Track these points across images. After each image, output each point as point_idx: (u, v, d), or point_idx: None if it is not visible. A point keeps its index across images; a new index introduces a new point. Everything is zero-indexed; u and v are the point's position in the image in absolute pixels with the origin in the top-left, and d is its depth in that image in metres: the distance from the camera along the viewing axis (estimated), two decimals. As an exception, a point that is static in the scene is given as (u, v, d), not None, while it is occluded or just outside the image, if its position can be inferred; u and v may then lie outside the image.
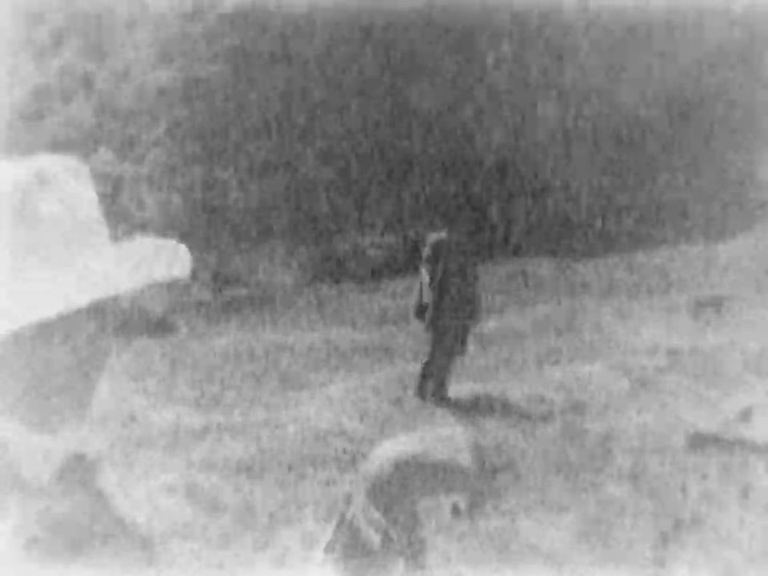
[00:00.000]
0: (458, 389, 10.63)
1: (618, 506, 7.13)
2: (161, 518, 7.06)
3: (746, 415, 8.95)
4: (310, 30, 22.39)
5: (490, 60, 23.07)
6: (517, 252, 21.19)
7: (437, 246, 9.96)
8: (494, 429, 9.23)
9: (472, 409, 10.06)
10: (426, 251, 10.10)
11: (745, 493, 7.27)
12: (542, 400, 10.21)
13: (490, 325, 14.20)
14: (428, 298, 9.95)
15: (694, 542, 6.49)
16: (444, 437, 5.60)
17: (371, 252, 22.28)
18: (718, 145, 22.30)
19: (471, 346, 12.43)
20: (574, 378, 11.10)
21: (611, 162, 22.98)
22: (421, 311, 10.16)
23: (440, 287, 9.87)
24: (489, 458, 5.48)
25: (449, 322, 9.94)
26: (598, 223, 22.36)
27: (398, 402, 10.36)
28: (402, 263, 20.98)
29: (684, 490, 7.41)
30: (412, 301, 10.44)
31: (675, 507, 7.07)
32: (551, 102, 23.29)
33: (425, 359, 10.29)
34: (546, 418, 9.55)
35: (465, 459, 5.39)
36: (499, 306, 15.88)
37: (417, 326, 10.87)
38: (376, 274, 20.45)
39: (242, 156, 22.22)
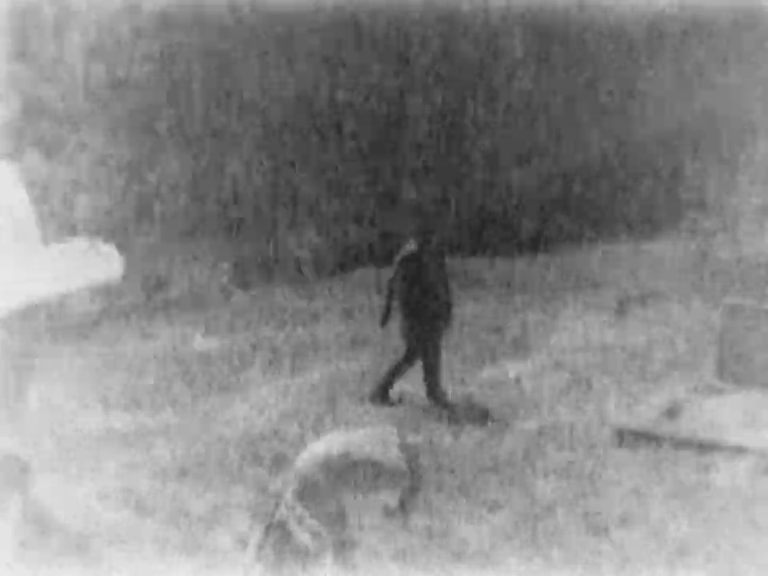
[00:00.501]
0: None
1: (549, 503, 7.19)
2: (94, 521, 7.01)
3: (672, 411, 9.08)
4: (243, 29, 22.29)
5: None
6: (447, 252, 21.25)
7: (406, 260, 9.98)
8: (426, 428, 9.27)
9: (405, 408, 10.09)
10: (395, 266, 10.11)
11: (673, 488, 7.37)
12: (474, 399, 10.26)
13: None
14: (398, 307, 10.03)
15: (624, 537, 6.57)
16: (373, 436, 5.63)
17: (300, 253, 22.25)
18: (646, 144, 22.54)
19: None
20: (505, 376, 11.17)
21: (540, 161, 23.14)
22: (385, 320, 10.21)
23: (411, 297, 9.90)
24: (419, 457, 5.49)
25: (423, 330, 9.99)
26: (526, 222, 22.51)
27: (331, 401, 10.36)
28: (332, 264, 20.99)
29: (614, 485, 7.50)
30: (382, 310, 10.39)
31: (605, 503, 7.15)
32: (479, 100, 23.40)
33: (393, 365, 10.33)
34: (478, 416, 9.60)
35: (394, 458, 5.42)
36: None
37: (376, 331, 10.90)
38: (306, 274, 20.40)
39: (172, 157, 22.08)
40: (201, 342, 12.39)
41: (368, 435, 5.64)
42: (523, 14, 22.75)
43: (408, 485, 5.47)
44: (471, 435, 8.97)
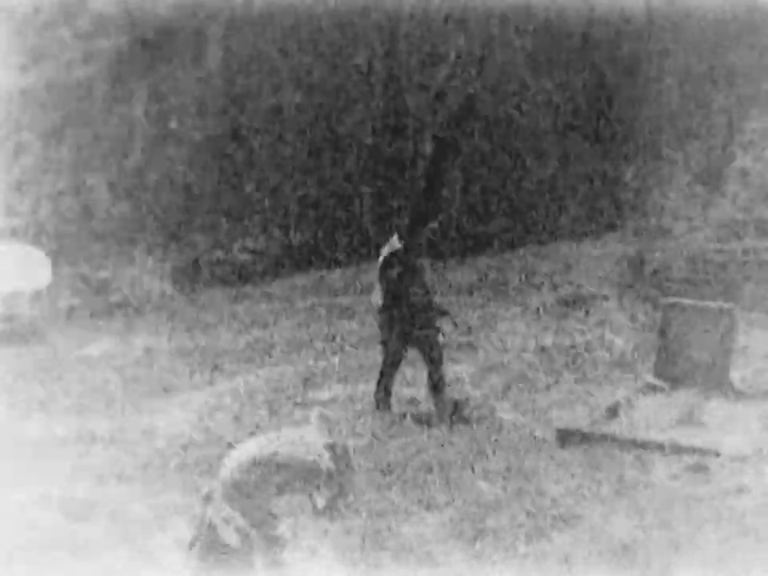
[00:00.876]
0: (329, 391, 10.69)
1: (491, 503, 7.21)
2: (32, 528, 6.94)
3: (612, 411, 9.14)
4: (185, 29, 22.15)
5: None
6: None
7: (391, 257, 9.88)
8: (366, 429, 9.27)
9: (345, 410, 10.08)
10: (380, 262, 10.02)
11: (613, 487, 7.42)
12: (416, 401, 10.27)
13: (358, 329, 14.25)
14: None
15: (565, 537, 6.60)
16: (300, 436, 5.63)
17: (242, 257, 22.15)
18: (586, 147, 22.69)
19: (347, 347, 12.53)
20: (448, 377, 11.18)
21: (481, 162, 23.21)
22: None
23: (394, 294, 9.80)
24: (347, 457, 5.48)
25: (402, 328, 9.84)
26: (465, 223, 22.57)
27: (270, 405, 10.32)
28: (273, 267, 20.92)
29: (555, 485, 7.54)
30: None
31: (546, 503, 7.18)
32: (420, 98, 23.43)
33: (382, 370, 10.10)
34: (420, 418, 9.61)
35: (321, 458, 5.42)
36: (367, 307, 15.93)
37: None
38: (246, 278, 20.33)
39: (113, 161, 21.90)
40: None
41: (295, 436, 5.63)
42: (464, 19, 22.79)
43: (336, 485, 5.47)
44: (413, 435, 8.98)
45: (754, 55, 21.63)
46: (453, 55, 22.86)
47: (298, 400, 10.54)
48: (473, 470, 7.95)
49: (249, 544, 5.36)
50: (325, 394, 10.74)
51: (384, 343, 10.00)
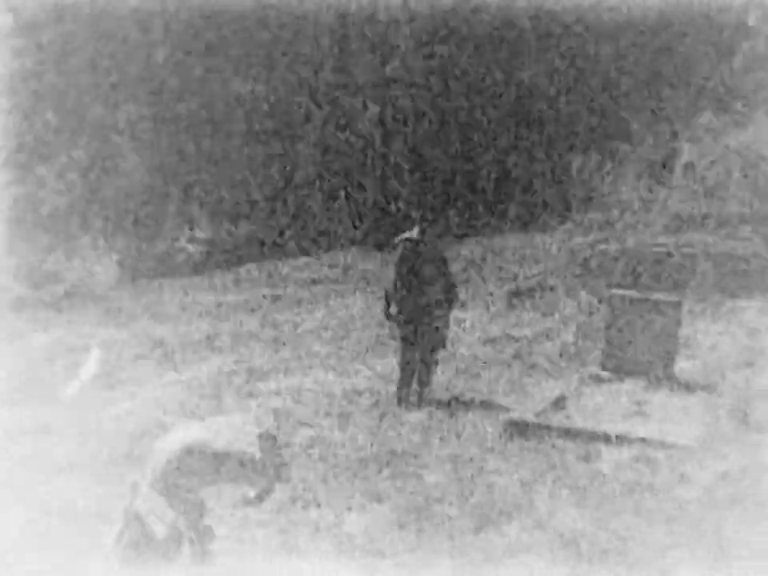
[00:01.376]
0: (276, 383, 10.68)
1: (437, 494, 7.23)
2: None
3: (559, 402, 9.20)
4: (131, 22, 22.02)
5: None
6: (333, 245, 21.31)
7: (408, 246, 9.76)
8: (310, 419, 9.26)
9: (286, 400, 10.08)
10: (398, 250, 9.82)
11: (560, 478, 7.46)
12: (360, 391, 10.28)
13: (306, 320, 14.25)
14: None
15: (512, 528, 6.63)
16: (231, 426, 5.59)
17: (190, 247, 22.08)
18: (536, 140, 22.80)
19: (295, 338, 12.51)
20: (392, 368, 11.20)
21: (430, 153, 23.27)
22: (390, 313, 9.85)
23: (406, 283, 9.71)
24: (278, 448, 5.46)
25: (416, 317, 9.69)
26: (414, 214, 22.58)
27: (217, 396, 10.29)
28: (222, 258, 20.87)
29: (502, 476, 7.57)
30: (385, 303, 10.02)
31: (493, 494, 7.21)
32: (367, 95, 23.45)
33: (401, 364, 9.93)
34: (366, 408, 9.62)
35: (251, 449, 5.39)
36: (308, 299, 15.94)
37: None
38: (195, 268, 20.28)
39: (61, 152, 21.74)
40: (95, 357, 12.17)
41: (226, 425, 5.60)
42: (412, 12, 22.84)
43: (267, 476, 5.44)
44: (359, 427, 8.99)
45: (701, 55, 21.85)
46: (403, 47, 22.89)
47: (245, 391, 10.52)
48: (419, 461, 7.96)
49: (177, 535, 5.33)
50: (271, 385, 10.73)
51: (404, 339, 9.81)
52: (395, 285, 9.65)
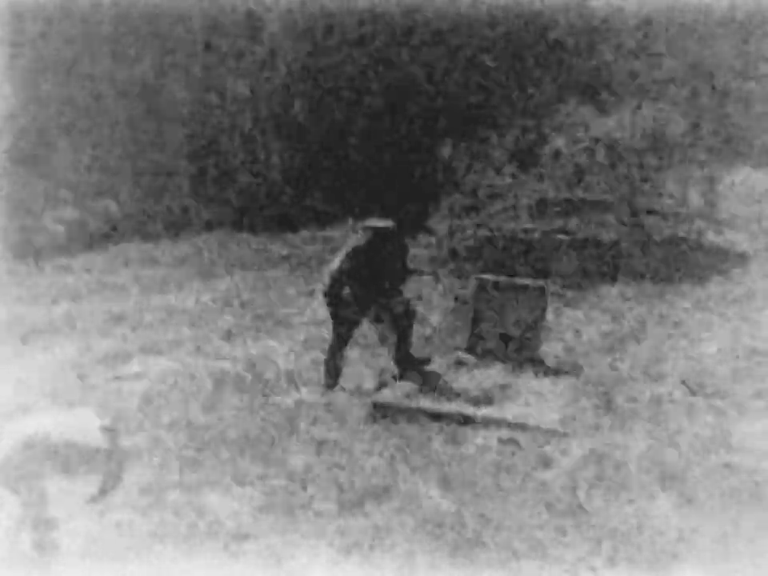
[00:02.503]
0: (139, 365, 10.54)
1: (304, 478, 7.20)
2: None
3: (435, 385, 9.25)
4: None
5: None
6: (208, 227, 21.12)
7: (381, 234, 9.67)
8: (179, 404, 9.15)
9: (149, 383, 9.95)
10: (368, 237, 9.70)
11: (426, 460, 7.50)
12: (228, 375, 10.19)
13: (173, 302, 14.08)
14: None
15: (378, 510, 6.64)
16: (74, 418, 5.52)
17: (54, 227, 21.64)
18: (406, 125, 22.87)
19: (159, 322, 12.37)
20: (262, 351, 11.15)
21: (301, 140, 23.18)
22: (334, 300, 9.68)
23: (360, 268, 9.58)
24: (118, 441, 5.40)
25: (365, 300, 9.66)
26: (285, 199, 22.52)
27: (82, 378, 10.10)
28: (91, 238, 20.52)
29: (367, 459, 7.58)
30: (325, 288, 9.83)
31: (359, 477, 7.21)
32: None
33: (329, 346, 9.78)
34: (236, 391, 9.54)
35: (94, 441, 5.32)
36: (181, 281, 15.75)
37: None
38: (62, 249, 19.87)
39: None
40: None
41: (69, 417, 5.52)
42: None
43: (108, 469, 5.38)
44: (227, 410, 8.91)
45: (569, 44, 22.18)
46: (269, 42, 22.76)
47: (110, 374, 10.35)
48: (285, 444, 7.93)
49: (18, 525, 5.25)
50: (136, 368, 10.57)
51: (335, 317, 9.70)
52: (352, 269, 9.60)
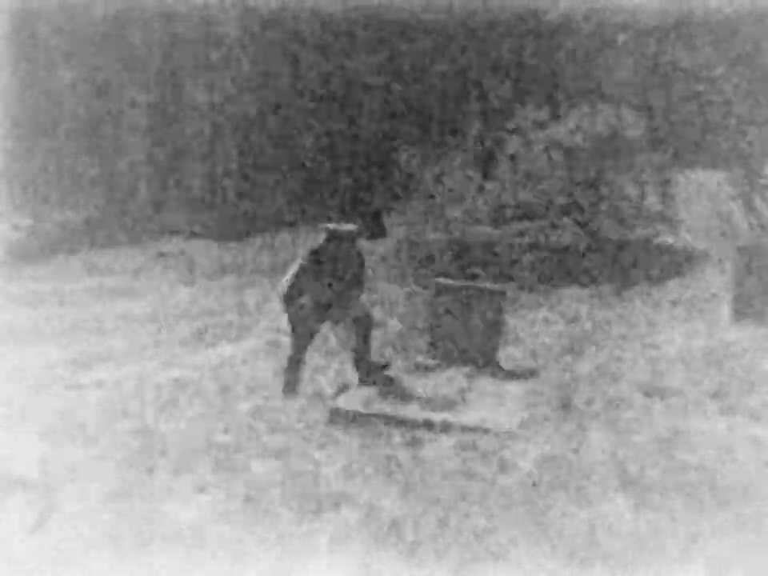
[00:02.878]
0: (98, 373, 10.48)
1: (262, 484, 7.19)
2: None
3: (387, 390, 9.25)
4: None
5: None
6: (168, 234, 21.05)
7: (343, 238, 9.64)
8: (138, 412, 9.12)
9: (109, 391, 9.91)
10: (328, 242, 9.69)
11: (386, 465, 7.50)
12: (187, 382, 10.17)
13: (131, 310, 14.03)
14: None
15: (337, 516, 6.64)
16: (13, 448, 5.47)
17: (13, 234, 21.53)
18: (364, 130, 22.91)
19: (118, 329, 12.31)
20: (221, 358, 11.13)
21: (259, 145, 23.16)
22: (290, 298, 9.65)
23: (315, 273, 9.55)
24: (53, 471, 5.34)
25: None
26: (244, 205, 22.51)
27: (38, 387, 10.04)
28: (49, 245, 20.41)
29: (327, 465, 7.57)
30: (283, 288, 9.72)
31: (319, 483, 7.20)
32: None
33: (291, 352, 9.73)
34: (195, 398, 9.52)
35: (33, 473, 5.27)
36: (141, 289, 15.70)
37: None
38: (19, 256, 19.76)
39: None
40: None
41: (9, 447, 5.48)
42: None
43: (45, 501, 5.32)
44: (182, 418, 8.88)
45: (530, 49, 22.29)
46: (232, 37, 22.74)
47: (67, 382, 10.30)
48: (243, 450, 7.91)
49: None
50: (94, 375, 10.52)
51: (293, 322, 9.68)
52: (309, 272, 9.57)
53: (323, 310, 9.65)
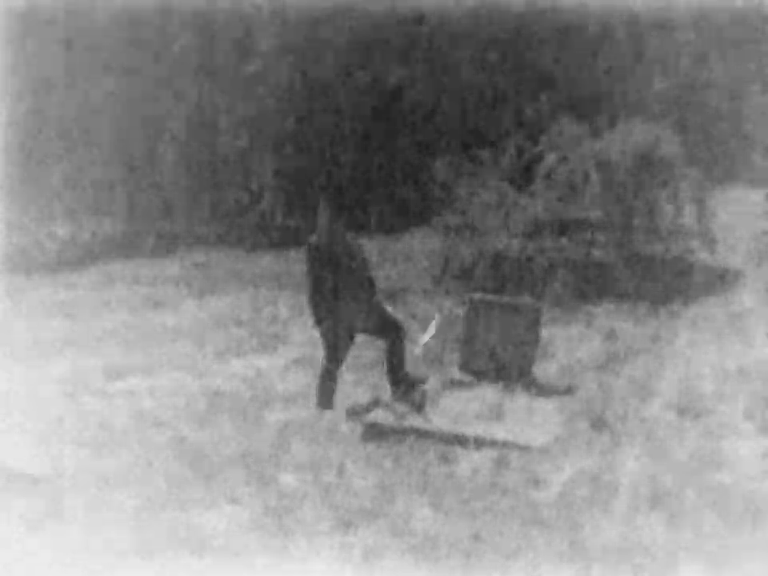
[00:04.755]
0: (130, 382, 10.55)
1: (295, 497, 7.21)
2: None
3: (419, 405, 9.25)
4: None
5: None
6: (203, 245, 21.12)
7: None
8: (171, 422, 9.15)
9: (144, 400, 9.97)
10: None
11: (417, 480, 7.50)
12: (221, 393, 10.21)
13: (166, 320, 14.09)
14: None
15: (370, 530, 6.64)
16: (22, 443, 5.51)
17: (50, 244, 21.66)
18: (395, 140, 22.93)
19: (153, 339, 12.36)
20: (255, 370, 11.16)
21: (295, 158, 23.24)
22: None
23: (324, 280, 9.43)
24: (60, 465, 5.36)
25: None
26: (279, 216, 22.58)
27: (72, 396, 10.10)
28: (85, 254, 20.53)
29: (360, 479, 7.58)
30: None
31: (352, 497, 7.21)
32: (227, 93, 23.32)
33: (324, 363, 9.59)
34: (229, 409, 9.55)
35: (34, 466, 5.30)
36: (176, 300, 15.76)
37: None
38: (55, 265, 19.88)
39: None
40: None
41: (9, 441, 5.52)
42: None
43: (47, 494, 5.34)
44: (219, 428, 8.92)
45: (566, 63, 22.27)
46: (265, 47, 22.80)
47: (101, 391, 10.36)
48: (277, 463, 7.93)
49: None
50: (128, 385, 10.59)
51: (325, 334, 9.55)
52: (315, 274, 9.47)
53: (345, 317, 9.52)
